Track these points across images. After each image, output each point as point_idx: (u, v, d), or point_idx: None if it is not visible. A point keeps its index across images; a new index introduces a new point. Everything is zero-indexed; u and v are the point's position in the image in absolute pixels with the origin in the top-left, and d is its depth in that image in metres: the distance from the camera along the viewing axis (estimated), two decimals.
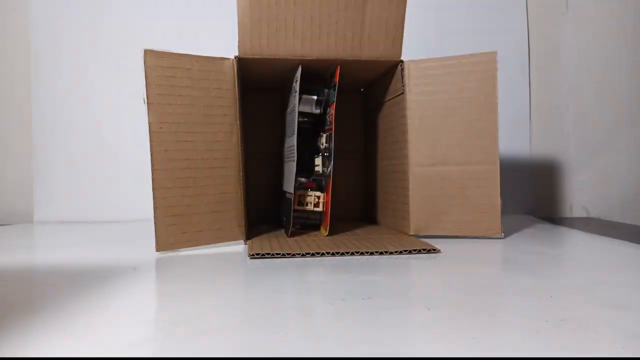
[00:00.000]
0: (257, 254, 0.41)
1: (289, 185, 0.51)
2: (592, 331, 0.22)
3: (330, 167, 0.50)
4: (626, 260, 0.38)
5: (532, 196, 0.78)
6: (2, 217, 0.79)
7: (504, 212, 0.73)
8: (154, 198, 0.43)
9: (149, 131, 0.43)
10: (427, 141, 0.50)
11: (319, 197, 0.51)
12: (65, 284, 0.33)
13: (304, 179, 0.52)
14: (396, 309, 0.26)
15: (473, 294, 0.29)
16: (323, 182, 0.52)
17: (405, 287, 0.31)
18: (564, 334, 0.22)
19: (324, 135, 0.51)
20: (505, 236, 0.52)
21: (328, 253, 0.41)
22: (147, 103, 0.43)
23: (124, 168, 0.76)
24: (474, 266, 0.37)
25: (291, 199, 0.50)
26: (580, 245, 0.47)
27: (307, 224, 0.54)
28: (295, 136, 0.49)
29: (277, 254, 0.41)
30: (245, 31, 0.47)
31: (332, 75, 0.52)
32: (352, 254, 0.41)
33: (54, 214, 0.76)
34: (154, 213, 0.43)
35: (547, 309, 0.26)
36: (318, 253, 0.41)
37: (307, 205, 0.51)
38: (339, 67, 0.50)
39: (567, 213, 0.79)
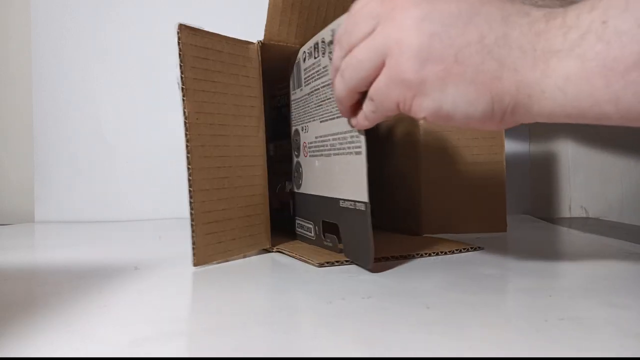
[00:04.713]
0: (327, 263, 0.37)
1: (352, 189, 0.36)
2: (591, 330, 0.22)
3: None
4: (625, 260, 0.38)
5: (531, 196, 0.78)
6: (3, 217, 0.79)
7: None
8: (191, 203, 0.36)
9: (186, 123, 0.36)
10: (437, 141, 0.51)
11: None
12: (66, 283, 0.33)
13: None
14: (396, 308, 0.26)
15: (472, 293, 0.29)
16: None
17: (405, 286, 0.31)
18: (563, 333, 0.22)
19: None
20: (503, 236, 0.52)
21: (393, 257, 0.39)
22: (183, 89, 0.36)
23: (124, 168, 0.76)
24: (473, 265, 0.37)
25: (366, 212, 0.34)
26: (578, 245, 0.47)
27: None
28: (338, 120, 0.37)
29: (346, 261, 0.38)
30: (275, 15, 0.42)
31: None
32: (414, 256, 0.40)
33: (55, 213, 0.76)
34: (193, 221, 0.36)
35: (546, 308, 0.26)
36: (385, 258, 0.39)
37: None
38: None
39: (566, 213, 0.79)
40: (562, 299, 0.28)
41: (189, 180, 0.36)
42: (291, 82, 0.47)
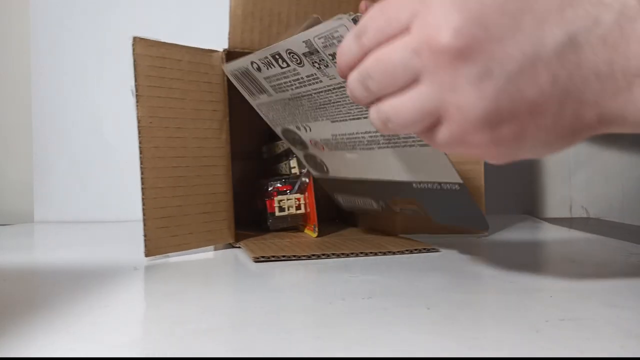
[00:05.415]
0: (263, 257, 0.39)
1: (430, 173, 0.38)
2: (592, 331, 0.22)
3: (309, 167, 0.49)
4: (625, 260, 0.38)
5: (531, 196, 0.78)
6: (2, 217, 0.79)
7: (503, 211, 0.73)
8: (143, 199, 0.40)
9: (138, 126, 0.40)
10: None
11: (299, 200, 0.50)
12: (65, 283, 0.33)
13: (278, 183, 0.51)
14: (396, 309, 0.26)
15: (472, 294, 0.29)
16: (299, 184, 0.51)
17: (405, 286, 0.31)
18: (564, 333, 0.22)
19: None
20: (504, 236, 0.52)
21: (334, 254, 0.40)
22: (136, 95, 0.40)
23: (124, 168, 0.76)
24: (473, 265, 0.37)
25: (462, 190, 0.37)
26: (579, 245, 0.47)
27: (288, 227, 0.53)
28: (366, 120, 0.37)
29: (284, 256, 0.40)
30: (237, 23, 0.45)
31: None
32: (357, 255, 0.41)
33: (55, 213, 0.76)
34: (144, 216, 0.40)
35: (546, 308, 0.26)
36: (325, 255, 0.40)
37: (288, 209, 0.50)
38: None
39: (567, 213, 0.79)
40: (562, 300, 0.27)
41: (141, 178, 0.40)
42: (243, 90, 0.46)
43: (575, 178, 0.79)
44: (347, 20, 0.30)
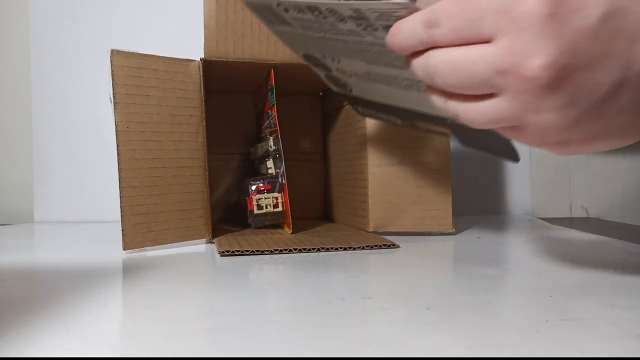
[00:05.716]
0: (227, 251, 0.41)
1: None
2: (592, 331, 0.22)
3: (283, 168, 0.51)
4: (625, 260, 0.38)
5: (532, 196, 0.78)
6: (2, 217, 0.79)
7: (503, 211, 0.74)
8: (121, 197, 0.43)
9: (116, 131, 0.44)
10: (384, 143, 0.52)
11: (276, 198, 0.52)
12: (65, 283, 0.33)
13: (260, 183, 0.53)
14: (396, 309, 0.26)
15: (472, 293, 0.29)
16: (278, 184, 0.53)
17: (404, 286, 0.31)
18: (564, 333, 0.22)
19: (271, 137, 0.53)
20: (504, 236, 0.52)
21: (295, 249, 0.42)
22: (114, 102, 0.44)
23: None
24: (473, 265, 0.37)
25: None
26: (579, 245, 0.47)
27: (268, 225, 0.55)
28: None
29: (246, 251, 0.42)
30: (211, 35, 0.48)
31: (268, 78, 0.52)
32: (318, 250, 0.43)
33: (55, 213, 0.76)
34: (121, 212, 0.43)
35: (546, 308, 0.26)
36: (286, 250, 0.42)
37: (266, 207, 0.52)
38: (272, 70, 0.51)
39: (567, 213, 0.79)
40: (562, 299, 0.27)
41: (119, 178, 0.44)
42: (260, 17, 0.40)
43: (575, 178, 0.79)
44: (412, 5, 0.26)
